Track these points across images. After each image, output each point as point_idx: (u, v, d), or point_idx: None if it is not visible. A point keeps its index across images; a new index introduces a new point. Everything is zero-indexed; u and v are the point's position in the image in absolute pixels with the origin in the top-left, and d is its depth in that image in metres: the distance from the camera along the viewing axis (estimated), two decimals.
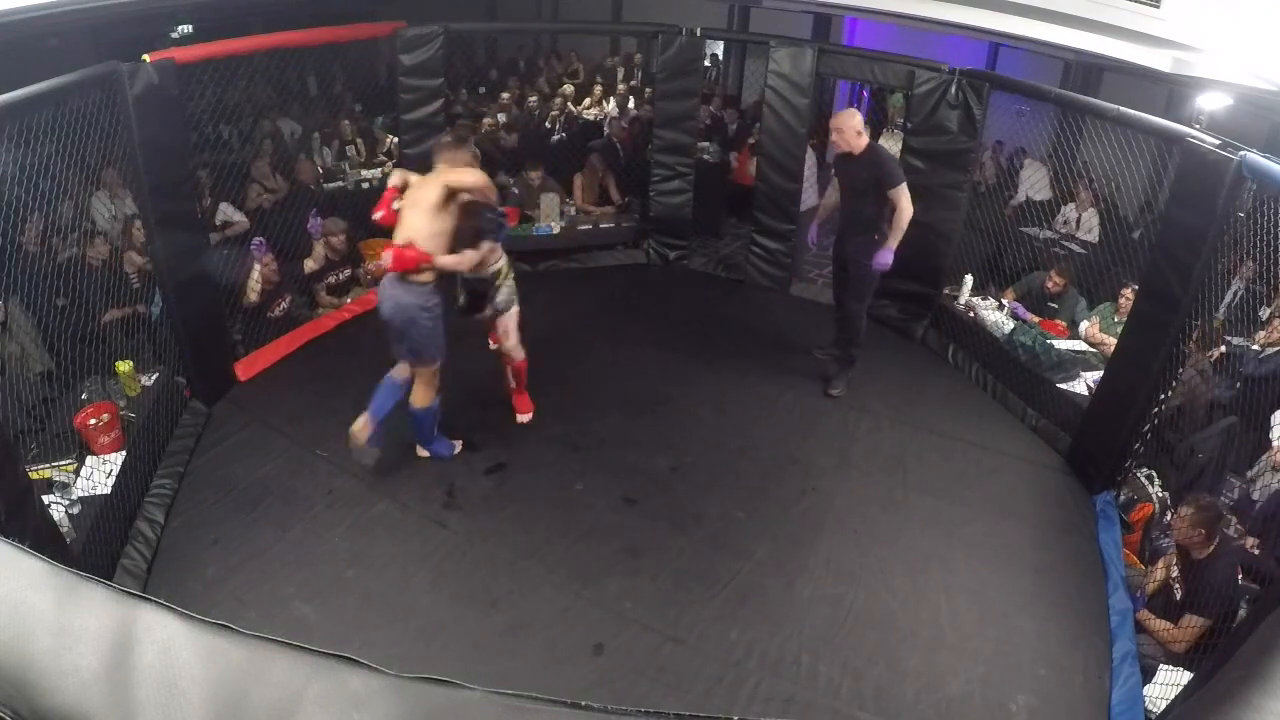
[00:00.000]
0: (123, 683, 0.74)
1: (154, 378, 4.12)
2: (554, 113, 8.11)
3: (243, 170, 5.45)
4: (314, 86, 7.59)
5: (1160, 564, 3.41)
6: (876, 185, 4.30)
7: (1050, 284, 5.26)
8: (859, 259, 4.51)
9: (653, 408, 4.64)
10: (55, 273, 3.87)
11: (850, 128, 4.31)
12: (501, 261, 3.96)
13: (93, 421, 3.55)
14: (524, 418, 4.41)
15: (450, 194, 3.46)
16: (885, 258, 4.35)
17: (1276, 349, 4.07)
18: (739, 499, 3.93)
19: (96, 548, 3.14)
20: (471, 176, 3.53)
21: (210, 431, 4.20)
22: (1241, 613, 2.97)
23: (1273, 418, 3.70)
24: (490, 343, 4.43)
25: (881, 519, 3.88)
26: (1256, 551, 3.35)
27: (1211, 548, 3.07)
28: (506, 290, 4.03)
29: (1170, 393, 3.85)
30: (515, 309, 4.09)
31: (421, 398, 3.80)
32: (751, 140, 7.17)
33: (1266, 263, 3.39)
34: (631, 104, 8.60)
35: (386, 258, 3.46)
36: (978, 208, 5.45)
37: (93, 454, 3.56)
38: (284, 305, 4.97)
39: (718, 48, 10.22)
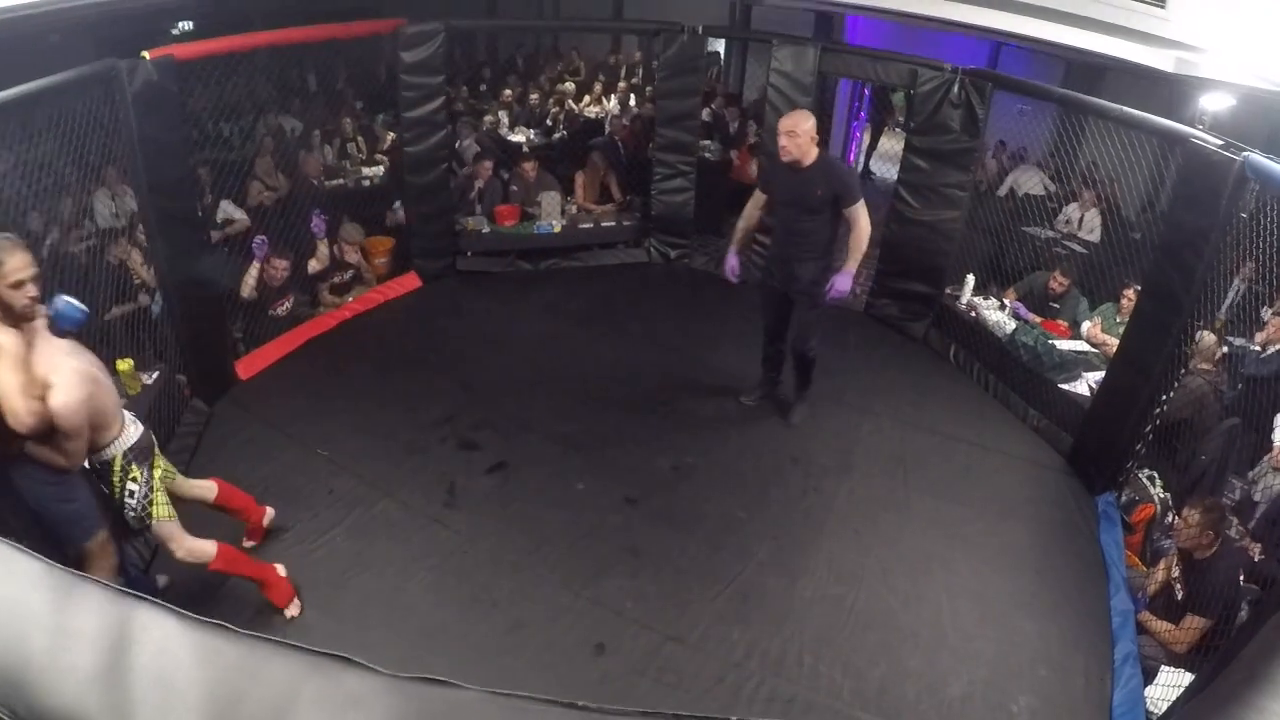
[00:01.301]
0: (119, 682, 0.74)
1: (154, 376, 4.11)
2: (554, 110, 8.11)
3: (244, 168, 5.45)
4: (313, 84, 7.59)
5: (1161, 565, 3.40)
6: (833, 202, 3.84)
7: (1054, 284, 5.25)
8: (812, 290, 4.00)
9: (654, 407, 4.63)
10: (55, 272, 3.86)
11: (805, 132, 3.77)
12: (115, 448, 2.68)
13: None
14: (288, 612, 3.16)
15: None
16: (844, 283, 3.86)
17: (1277, 347, 4.06)
18: (740, 499, 3.93)
19: None
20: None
21: (211, 431, 4.20)
22: (1243, 614, 2.97)
23: (1276, 419, 3.69)
24: (246, 537, 3.44)
25: (883, 519, 3.88)
26: (1259, 557, 3.34)
27: (1215, 548, 3.06)
28: (135, 498, 2.74)
29: (1172, 393, 3.84)
30: (157, 525, 2.81)
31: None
32: (752, 140, 7.17)
33: (1270, 263, 3.38)
34: (633, 102, 8.60)
35: None
36: (980, 207, 5.45)
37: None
38: (287, 305, 4.97)
39: (719, 45, 10.22)
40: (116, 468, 2.71)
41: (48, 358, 2.43)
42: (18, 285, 2.30)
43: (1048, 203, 6.14)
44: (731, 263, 4.25)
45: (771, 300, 4.30)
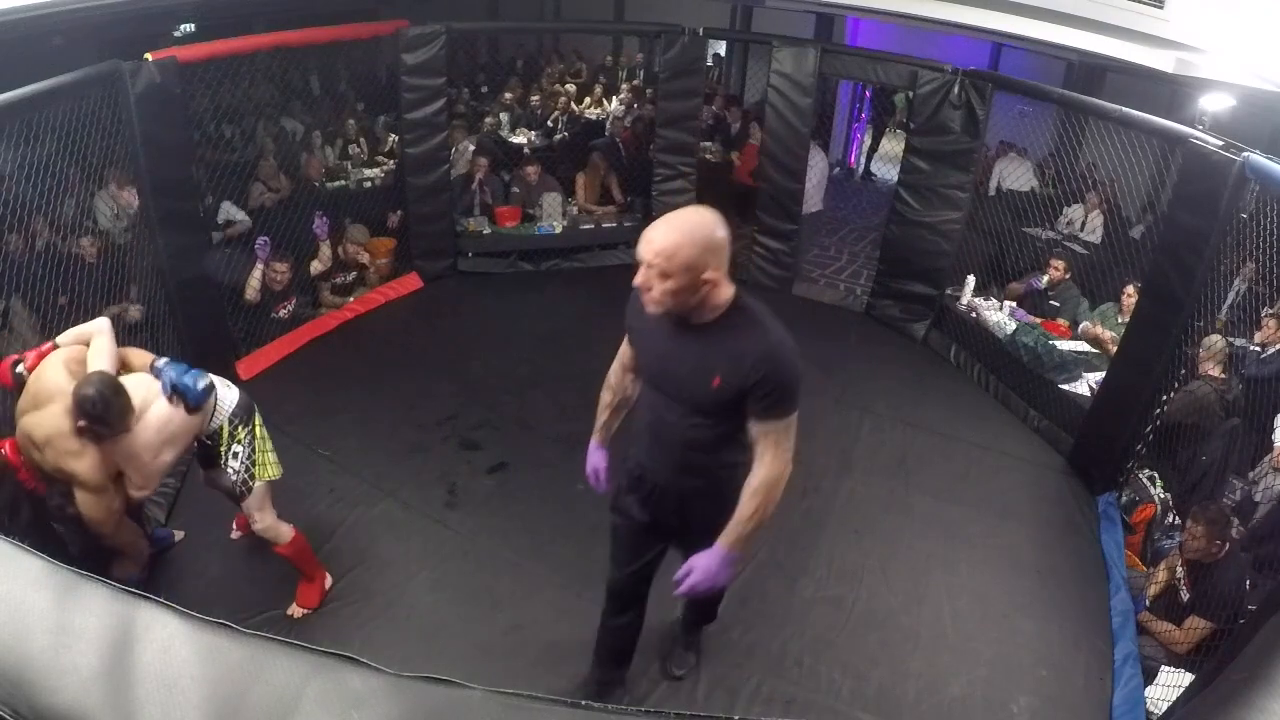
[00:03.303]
0: (122, 681, 0.74)
1: None
2: (555, 112, 8.12)
3: (246, 170, 5.46)
4: (316, 86, 7.59)
5: (1162, 566, 3.40)
6: (737, 400, 1.99)
7: (1053, 270, 5.22)
8: (700, 533, 2.20)
9: None
10: (56, 271, 3.86)
11: (686, 263, 1.82)
12: (214, 420, 2.77)
13: None
14: (298, 611, 3.15)
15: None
16: (720, 571, 2.12)
17: (1278, 348, 4.06)
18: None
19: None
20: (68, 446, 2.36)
21: None
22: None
23: (1276, 420, 3.69)
24: (235, 527, 3.48)
25: (883, 520, 3.88)
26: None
27: (1222, 553, 3.05)
28: (239, 459, 2.82)
29: (1173, 394, 3.84)
30: (259, 485, 2.89)
31: (117, 571, 2.84)
32: (753, 140, 7.17)
33: (1270, 264, 3.38)
34: (634, 103, 8.60)
35: None
36: (980, 208, 5.45)
37: None
38: (289, 308, 4.98)
39: (720, 47, 10.22)
40: (224, 435, 2.79)
41: (125, 445, 2.50)
42: (128, 428, 2.44)
43: (1033, 198, 6.09)
44: (595, 462, 2.50)
45: (633, 536, 2.48)
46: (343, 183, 6.44)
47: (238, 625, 0.78)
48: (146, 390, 2.58)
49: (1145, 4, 5.03)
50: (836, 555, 3.63)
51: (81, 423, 2.34)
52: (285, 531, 3.02)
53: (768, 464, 2.05)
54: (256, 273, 4.73)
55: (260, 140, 6.13)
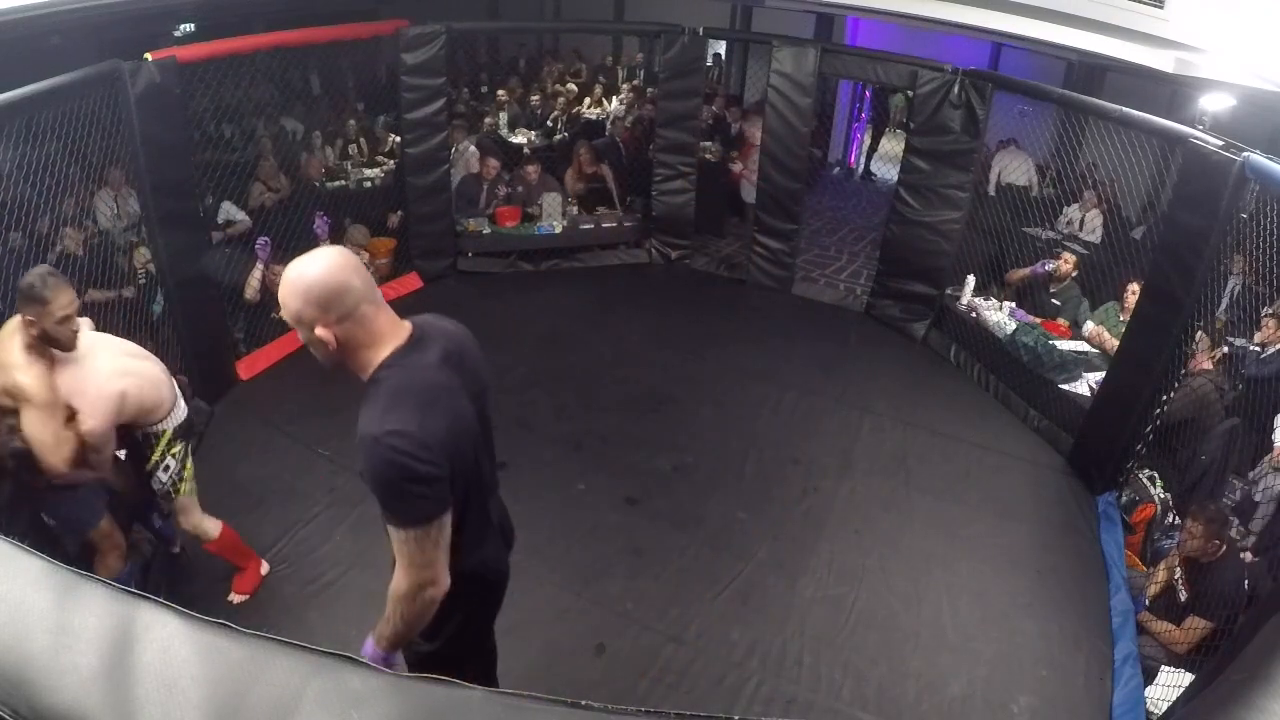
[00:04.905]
0: (122, 681, 0.74)
1: None
2: (555, 112, 8.12)
3: (246, 170, 5.46)
4: (316, 85, 7.59)
5: (1162, 566, 3.40)
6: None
7: (1063, 262, 5.19)
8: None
9: (655, 407, 4.64)
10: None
11: (293, 318, 1.66)
12: (167, 424, 2.81)
13: None
14: (237, 598, 3.19)
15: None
16: (379, 662, 1.52)
17: (1277, 348, 4.06)
18: (741, 499, 3.93)
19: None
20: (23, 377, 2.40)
21: (212, 430, 4.18)
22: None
23: (1276, 420, 3.69)
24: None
25: (883, 519, 3.88)
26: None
27: (1220, 553, 3.06)
28: (169, 473, 2.85)
29: (1173, 393, 3.84)
30: (182, 499, 2.93)
31: (101, 569, 2.80)
32: (754, 142, 7.16)
33: (1270, 264, 3.38)
34: (636, 104, 8.59)
35: None
36: (980, 208, 5.45)
37: None
38: None
39: (720, 47, 10.22)
40: (164, 441, 2.82)
41: (74, 377, 2.51)
42: (64, 320, 2.42)
43: (1031, 197, 6.07)
44: None
45: None
46: (343, 183, 6.44)
47: (238, 625, 0.78)
48: (99, 335, 2.70)
49: (1145, 4, 5.03)
50: (836, 555, 3.63)
51: (28, 317, 2.37)
52: (211, 528, 3.04)
53: (395, 575, 1.64)
54: (256, 273, 4.72)
55: (260, 140, 6.12)
